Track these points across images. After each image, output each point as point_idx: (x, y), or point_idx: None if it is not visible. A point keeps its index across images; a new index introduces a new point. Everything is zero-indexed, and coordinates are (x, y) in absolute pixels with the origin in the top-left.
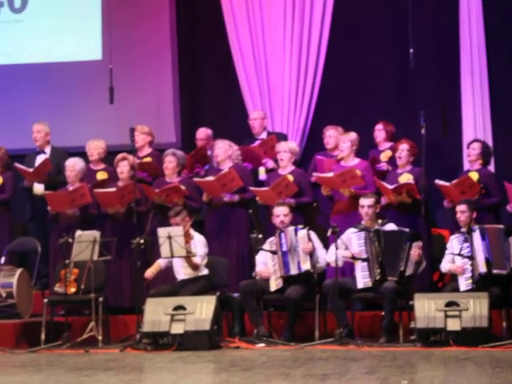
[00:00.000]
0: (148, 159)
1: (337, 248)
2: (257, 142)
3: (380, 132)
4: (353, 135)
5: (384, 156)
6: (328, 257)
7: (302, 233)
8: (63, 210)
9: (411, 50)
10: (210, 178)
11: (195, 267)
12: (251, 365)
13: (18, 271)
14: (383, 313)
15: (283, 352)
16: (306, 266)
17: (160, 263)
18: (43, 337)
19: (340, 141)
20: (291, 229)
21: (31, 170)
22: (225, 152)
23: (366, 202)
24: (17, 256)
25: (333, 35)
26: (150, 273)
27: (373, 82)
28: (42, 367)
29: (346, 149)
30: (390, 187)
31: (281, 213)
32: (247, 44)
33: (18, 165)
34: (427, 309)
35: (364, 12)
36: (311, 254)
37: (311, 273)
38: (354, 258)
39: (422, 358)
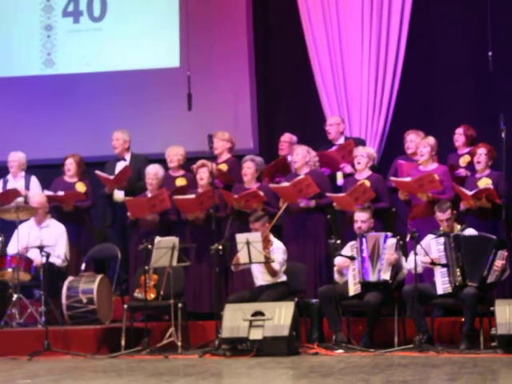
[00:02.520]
0: (223, 166)
1: (416, 254)
2: (334, 148)
3: (460, 136)
4: (432, 140)
5: (462, 161)
6: (408, 264)
7: (391, 242)
8: (143, 215)
9: (490, 53)
10: (286, 184)
11: (273, 273)
12: (330, 371)
13: (99, 277)
14: (463, 319)
15: (362, 358)
16: (386, 276)
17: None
18: (123, 342)
19: (420, 145)
20: (380, 235)
21: (112, 177)
22: (303, 158)
23: (443, 216)
24: (97, 262)
25: (411, 38)
26: (236, 259)
27: (451, 84)
28: (123, 372)
29: (426, 153)
30: (470, 193)
31: (359, 218)
32: (324, 48)
33: (98, 172)
34: (508, 315)
35: (442, 14)
36: (393, 265)
37: (390, 284)
38: (433, 263)
39: (503, 365)
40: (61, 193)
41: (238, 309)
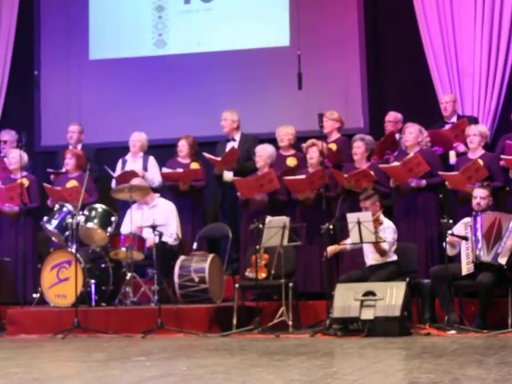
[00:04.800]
0: (332, 145)
1: None
2: (447, 126)
3: None
4: None
5: None
6: None
7: None
8: (252, 195)
9: None
10: (396, 164)
11: (383, 253)
12: (443, 352)
13: (210, 256)
14: None
15: (475, 339)
16: (503, 260)
17: (345, 245)
18: (235, 321)
19: None
20: (503, 216)
21: (219, 158)
22: (415, 137)
23: None
24: (208, 241)
25: None
26: (330, 250)
27: None
28: (235, 351)
29: None
30: None
31: (478, 195)
32: (436, 26)
33: (206, 154)
34: None
35: None
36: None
37: (504, 269)
38: None
39: None
40: (179, 170)
41: (349, 288)
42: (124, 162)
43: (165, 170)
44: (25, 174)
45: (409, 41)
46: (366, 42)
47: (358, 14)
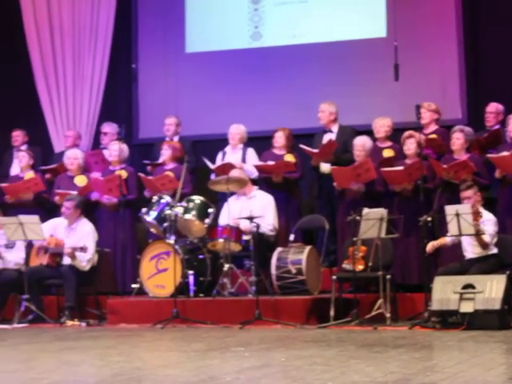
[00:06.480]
0: (433, 136)
1: None
2: None
3: None
4: None
5: None
6: None
7: None
8: (348, 185)
9: None
10: (505, 154)
11: (484, 246)
12: None
13: (307, 248)
14: None
15: None
16: None
17: (446, 239)
18: (332, 313)
19: None
20: None
21: (316, 150)
22: None
23: None
24: (305, 233)
25: None
26: (431, 246)
27: None
28: (333, 343)
29: None
30: None
31: None
32: None
33: (303, 146)
34: None
35: None
36: None
37: None
38: None
39: None
40: (271, 162)
41: (447, 281)
42: (224, 154)
43: (256, 162)
44: (123, 165)
45: (509, 29)
46: (463, 31)
47: (455, 6)
